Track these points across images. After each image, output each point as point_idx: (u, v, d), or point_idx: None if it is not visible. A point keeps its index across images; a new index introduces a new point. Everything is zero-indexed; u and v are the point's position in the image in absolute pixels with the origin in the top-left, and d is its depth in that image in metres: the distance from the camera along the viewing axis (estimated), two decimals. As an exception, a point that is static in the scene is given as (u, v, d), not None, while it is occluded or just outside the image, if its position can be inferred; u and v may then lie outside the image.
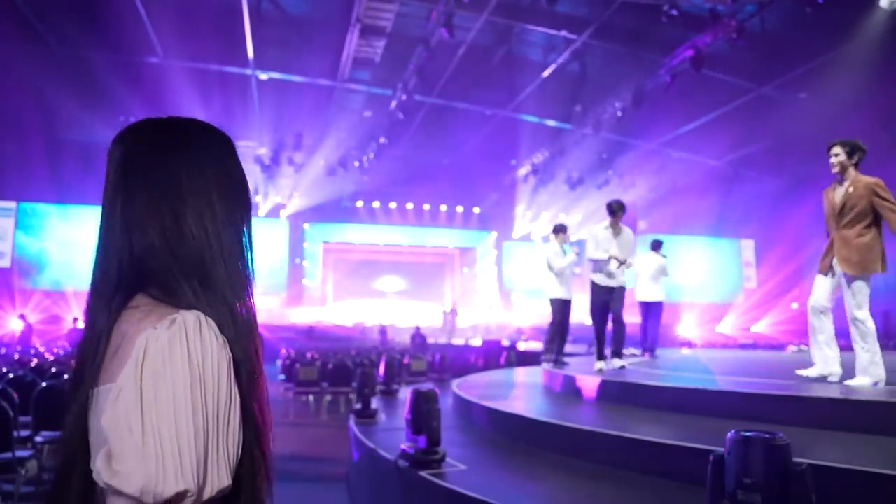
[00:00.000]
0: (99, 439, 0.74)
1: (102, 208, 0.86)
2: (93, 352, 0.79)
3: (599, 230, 6.14)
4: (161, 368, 0.71)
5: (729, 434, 2.06)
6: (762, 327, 21.63)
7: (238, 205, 0.89)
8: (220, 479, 0.73)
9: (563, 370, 6.34)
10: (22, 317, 15.06)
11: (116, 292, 0.81)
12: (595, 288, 6.11)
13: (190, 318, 0.75)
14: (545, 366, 6.90)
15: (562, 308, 7.08)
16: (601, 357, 6.02)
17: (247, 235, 0.90)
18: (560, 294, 7.07)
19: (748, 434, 2.01)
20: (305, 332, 18.24)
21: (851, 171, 4.18)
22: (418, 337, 16.23)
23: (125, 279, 0.82)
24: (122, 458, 0.69)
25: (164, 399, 0.70)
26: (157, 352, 0.72)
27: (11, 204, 17.90)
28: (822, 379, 4.30)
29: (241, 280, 0.86)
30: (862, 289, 4.12)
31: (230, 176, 0.90)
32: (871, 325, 4.10)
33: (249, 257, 0.89)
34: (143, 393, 0.70)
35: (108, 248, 0.84)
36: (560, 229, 7.29)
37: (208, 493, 0.71)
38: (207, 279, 0.83)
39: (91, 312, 0.83)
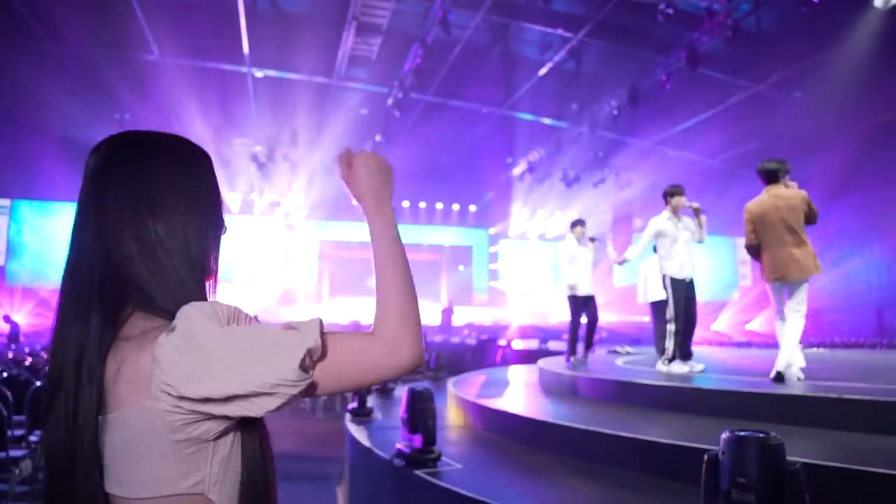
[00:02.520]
0: (112, 462, 0.77)
1: (76, 217, 0.87)
2: (86, 371, 0.79)
3: (662, 221, 5.77)
4: (188, 337, 0.75)
5: (723, 434, 2.07)
6: (757, 325, 21.69)
7: (211, 221, 0.92)
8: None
9: (562, 370, 6.34)
10: (6, 318, 14.85)
11: (91, 302, 0.82)
12: (675, 283, 5.65)
13: (187, 307, 0.78)
14: (553, 366, 6.93)
15: (577, 303, 7.11)
16: (688, 356, 5.59)
17: (217, 252, 0.93)
18: (574, 290, 7.09)
19: (742, 434, 2.02)
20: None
21: None
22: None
23: (102, 289, 0.83)
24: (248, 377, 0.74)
25: (206, 343, 0.75)
26: (176, 336, 0.75)
27: (6, 202, 17.83)
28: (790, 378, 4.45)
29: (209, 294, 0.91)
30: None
31: (203, 191, 0.92)
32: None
33: (216, 275, 0.93)
34: (195, 355, 0.74)
35: (79, 256, 0.85)
36: (578, 223, 7.30)
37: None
38: (187, 291, 0.85)
39: (63, 323, 0.83)
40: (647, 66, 13.02)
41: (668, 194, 5.81)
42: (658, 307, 8.46)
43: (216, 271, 0.94)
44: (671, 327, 5.62)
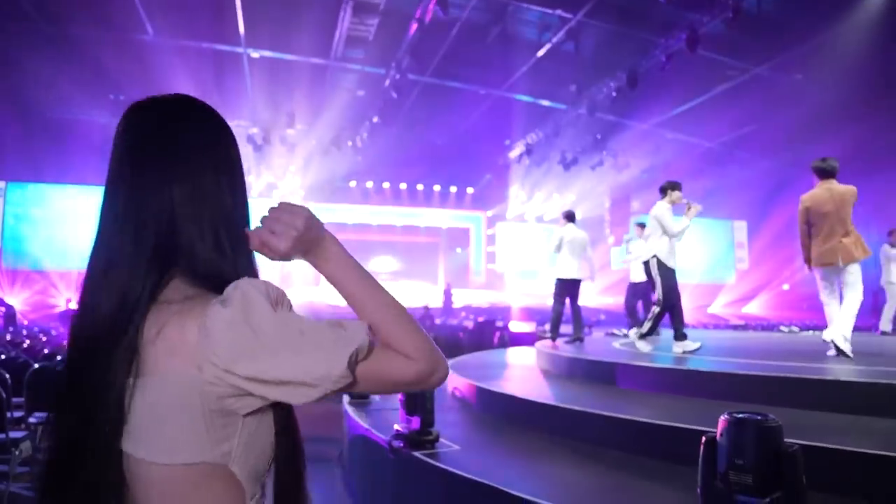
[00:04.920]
0: (140, 425, 0.75)
1: (132, 171, 0.83)
2: (120, 334, 0.76)
3: (667, 209, 6.06)
4: (244, 314, 0.75)
5: (722, 416, 2.08)
6: (754, 308, 21.80)
7: (244, 182, 0.95)
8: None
9: (558, 351, 6.37)
10: (1, 301, 14.87)
11: (151, 265, 0.80)
12: (667, 270, 5.95)
13: (243, 282, 0.78)
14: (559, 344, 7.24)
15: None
16: (683, 337, 5.78)
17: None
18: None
19: (741, 416, 2.03)
20: None
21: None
22: (427, 319, 15.91)
23: (160, 250, 0.81)
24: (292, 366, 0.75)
25: (268, 321, 0.76)
26: (230, 310, 0.75)
27: (0, 184, 17.72)
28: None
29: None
30: None
31: (239, 156, 0.96)
32: None
33: None
34: (262, 333, 0.75)
35: (141, 214, 0.81)
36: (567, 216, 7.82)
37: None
38: (234, 264, 0.86)
39: (115, 285, 0.79)
40: (646, 48, 12.92)
41: (669, 188, 6.16)
42: (635, 288, 8.90)
43: None
44: (656, 309, 5.95)
